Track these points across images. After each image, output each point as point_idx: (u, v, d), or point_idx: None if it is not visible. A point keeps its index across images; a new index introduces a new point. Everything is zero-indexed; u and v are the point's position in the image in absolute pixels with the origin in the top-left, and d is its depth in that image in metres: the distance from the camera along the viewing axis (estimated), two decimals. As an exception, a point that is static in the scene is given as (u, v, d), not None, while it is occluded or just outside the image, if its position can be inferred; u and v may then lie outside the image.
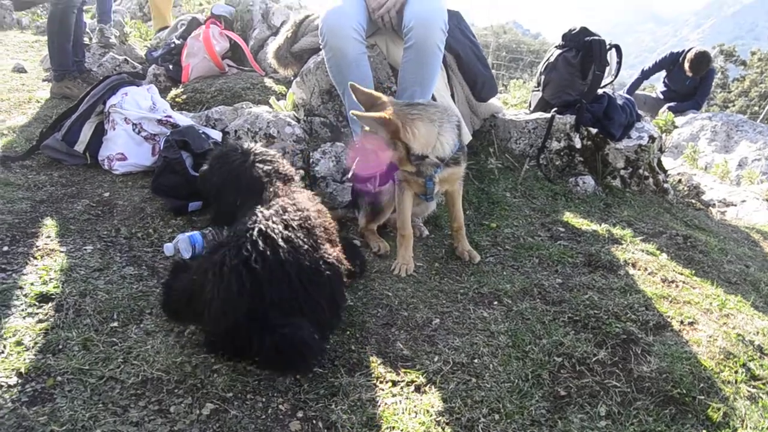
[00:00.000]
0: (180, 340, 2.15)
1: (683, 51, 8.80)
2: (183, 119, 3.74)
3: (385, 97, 2.76)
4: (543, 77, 4.83)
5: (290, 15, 5.54)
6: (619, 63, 4.90)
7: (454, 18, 4.14)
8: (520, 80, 11.40)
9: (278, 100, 4.32)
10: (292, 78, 4.57)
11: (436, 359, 2.22)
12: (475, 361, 2.24)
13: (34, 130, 4.06)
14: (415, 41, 3.35)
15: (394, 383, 2.08)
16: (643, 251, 3.35)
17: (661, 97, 9.10)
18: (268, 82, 5.01)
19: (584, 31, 4.74)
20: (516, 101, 7.18)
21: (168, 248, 2.73)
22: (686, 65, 8.46)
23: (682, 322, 2.61)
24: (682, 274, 3.15)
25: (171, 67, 5.35)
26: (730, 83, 22.94)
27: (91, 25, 6.48)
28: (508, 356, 2.27)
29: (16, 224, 2.82)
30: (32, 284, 2.35)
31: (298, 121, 3.95)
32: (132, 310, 2.28)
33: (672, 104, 8.59)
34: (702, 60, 8.39)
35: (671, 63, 8.83)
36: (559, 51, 4.75)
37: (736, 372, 2.27)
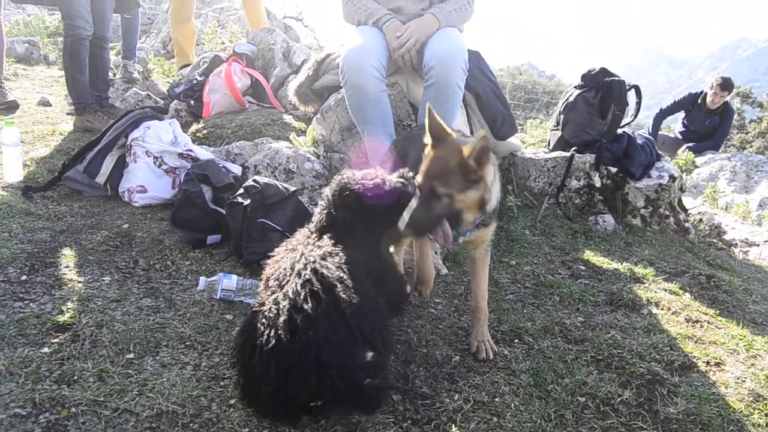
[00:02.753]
0: (196, 373, 2.12)
1: (702, 92, 8.82)
2: (204, 153, 3.77)
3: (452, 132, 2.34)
4: (562, 117, 4.84)
5: (311, 54, 5.61)
6: (639, 103, 4.90)
7: (474, 57, 4.16)
8: (537, 120, 11.43)
9: (298, 136, 4.34)
10: (312, 115, 4.60)
11: (456, 397, 2.17)
12: (496, 399, 2.18)
13: (57, 162, 4.10)
14: (435, 80, 3.37)
15: (414, 422, 2.03)
16: (665, 290, 3.30)
17: (680, 137, 9.08)
18: (288, 118, 5.04)
19: (604, 72, 4.76)
20: (534, 140, 7.18)
21: (202, 282, 2.71)
22: (710, 94, 8.52)
23: (708, 363, 2.54)
24: (706, 314, 3.09)
25: (192, 102, 5.41)
26: (747, 124, 22.87)
27: (115, 62, 6.59)
28: (530, 395, 2.21)
29: (36, 254, 2.82)
30: (49, 314, 2.34)
31: (318, 157, 3.96)
32: (148, 342, 2.26)
33: (690, 144, 8.57)
34: (728, 81, 8.53)
35: (690, 103, 8.85)
36: (578, 91, 4.77)
37: (766, 415, 2.20)
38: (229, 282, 2.65)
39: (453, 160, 2.17)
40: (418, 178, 2.27)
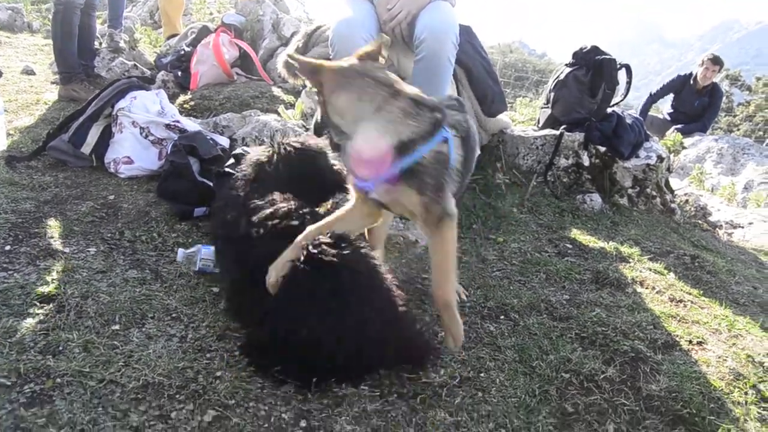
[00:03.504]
0: (182, 345, 2.12)
1: (691, 73, 8.84)
2: (191, 125, 3.72)
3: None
4: (552, 94, 4.82)
5: (301, 26, 5.54)
6: (629, 83, 4.89)
7: (465, 33, 4.13)
8: (526, 98, 11.41)
9: (287, 109, 4.30)
10: (301, 88, 4.56)
11: (441, 372, 2.18)
12: (482, 375, 2.20)
13: (41, 132, 4.04)
14: (426, 54, 3.34)
15: (400, 395, 2.04)
16: (650, 270, 3.32)
17: (668, 118, 9.10)
18: (277, 91, 5.00)
19: (595, 50, 4.73)
20: (523, 118, 7.16)
21: (180, 254, 2.70)
22: (701, 69, 8.55)
23: (690, 342, 2.57)
24: (690, 293, 3.11)
25: (180, 73, 5.34)
26: (735, 107, 22.99)
27: (101, 30, 6.48)
28: (515, 371, 2.23)
29: (20, 224, 2.79)
30: (34, 284, 2.32)
31: (306, 130, 3.93)
32: (134, 314, 2.24)
33: (679, 126, 8.60)
34: (719, 57, 8.57)
35: (680, 84, 8.87)
36: (569, 69, 4.74)
37: (746, 393, 2.22)
38: (207, 252, 2.63)
39: None
40: None
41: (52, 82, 5.47)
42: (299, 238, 2.12)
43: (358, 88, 2.07)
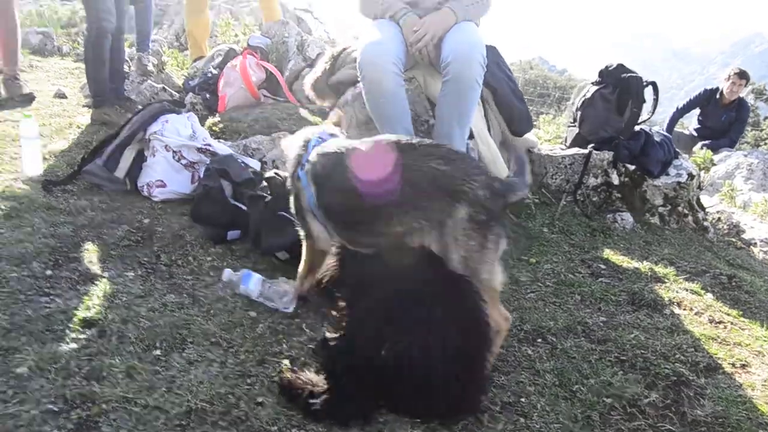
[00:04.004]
0: (223, 370, 2.12)
1: (717, 87, 8.77)
2: (222, 148, 3.76)
3: None
4: (579, 113, 4.81)
5: (326, 48, 5.58)
6: (656, 100, 4.87)
7: (491, 53, 4.13)
8: (549, 115, 11.39)
9: (315, 130, 4.32)
10: (328, 109, 4.58)
11: (482, 398, 2.17)
12: (522, 400, 2.18)
13: (75, 155, 4.10)
14: (453, 75, 3.35)
15: (441, 421, 2.03)
16: (687, 290, 3.29)
17: (695, 134, 9.03)
18: (303, 112, 5.04)
19: (621, 68, 4.73)
20: (548, 136, 7.16)
21: (226, 274, 2.72)
22: (727, 84, 8.46)
23: (733, 365, 2.54)
24: (729, 314, 3.08)
25: (208, 96, 5.40)
26: (762, 121, 22.70)
27: (130, 54, 6.59)
28: (556, 396, 2.21)
29: (59, 248, 2.83)
30: (75, 309, 2.35)
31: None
32: (174, 339, 2.26)
33: (706, 142, 8.52)
34: (745, 71, 8.48)
35: (706, 99, 8.80)
36: (595, 87, 4.74)
37: (794, 419, 2.19)
38: (252, 284, 2.65)
39: None
40: None
41: (84, 106, 5.56)
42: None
43: None
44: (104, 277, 2.63)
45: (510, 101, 4.28)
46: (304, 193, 2.39)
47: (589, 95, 4.78)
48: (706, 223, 4.50)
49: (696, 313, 3.02)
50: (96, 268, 2.70)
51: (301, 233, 2.55)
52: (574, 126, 4.89)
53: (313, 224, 2.44)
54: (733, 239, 4.66)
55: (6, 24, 5.50)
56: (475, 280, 2.07)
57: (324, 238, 2.45)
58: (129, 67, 6.15)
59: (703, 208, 4.66)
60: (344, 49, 4.54)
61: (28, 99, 5.57)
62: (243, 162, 3.61)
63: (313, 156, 2.38)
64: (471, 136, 3.82)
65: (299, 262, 2.78)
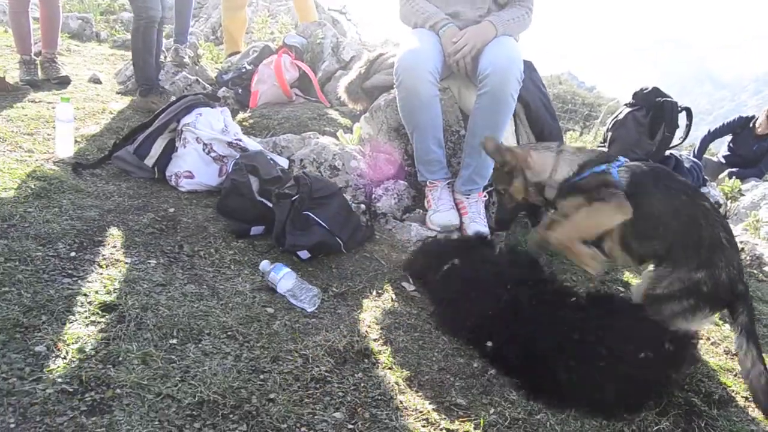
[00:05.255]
0: (237, 364, 2.14)
1: (753, 116, 8.65)
2: (252, 144, 3.79)
3: None
4: (610, 134, 4.79)
5: (362, 51, 5.61)
6: (689, 126, 4.85)
7: (527, 68, 4.12)
8: (575, 132, 11.32)
9: (344, 133, 4.36)
10: (359, 113, 4.61)
11: (491, 411, 2.16)
12: (532, 417, 2.17)
13: (106, 140, 4.16)
14: (489, 89, 3.35)
15: (449, 431, 2.03)
16: (706, 320, 3.25)
17: (723, 161, 8.92)
18: (334, 114, 5.07)
19: (656, 92, 4.71)
20: (575, 154, 7.11)
21: (264, 264, 2.78)
22: (762, 118, 8.31)
23: (747, 399, 2.51)
24: (747, 348, 3.03)
25: (240, 91, 5.46)
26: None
27: (167, 45, 6.66)
28: (566, 416, 2.20)
29: (84, 231, 2.87)
30: (97, 292, 2.38)
31: (364, 155, 3.97)
32: (191, 329, 2.28)
33: (734, 170, 8.40)
34: None
35: (740, 127, 8.67)
36: (629, 109, 4.72)
37: (807, 459, 2.16)
38: (284, 276, 2.69)
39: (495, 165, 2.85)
40: None
41: (118, 92, 5.63)
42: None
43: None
44: (127, 262, 2.66)
45: (542, 117, 4.27)
46: None
47: (621, 116, 4.77)
48: (730, 254, 4.44)
49: (713, 343, 2.98)
50: (119, 254, 2.73)
51: None
52: (604, 146, 4.87)
53: None
54: (755, 271, 4.60)
55: (49, 7, 5.60)
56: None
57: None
58: (165, 57, 6.22)
59: (728, 238, 4.60)
60: (381, 55, 4.57)
61: (64, 82, 5.65)
62: (272, 159, 3.64)
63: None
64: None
65: (319, 263, 2.81)
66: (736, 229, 6.02)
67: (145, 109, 4.95)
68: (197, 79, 5.68)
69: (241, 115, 4.98)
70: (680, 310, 2.47)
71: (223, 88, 5.54)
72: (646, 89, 4.73)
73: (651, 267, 2.62)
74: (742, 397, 2.52)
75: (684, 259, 2.47)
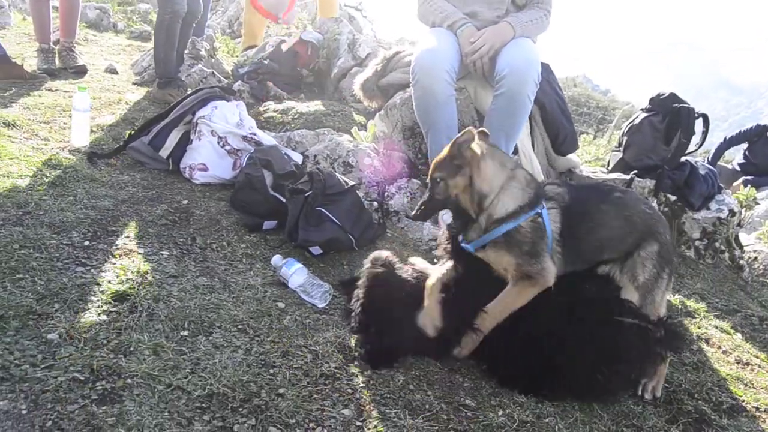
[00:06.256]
0: (247, 357, 2.15)
1: (771, 124, 8.56)
2: (267, 138, 3.80)
3: None
4: (625, 138, 4.75)
5: (379, 49, 5.61)
6: (705, 132, 4.80)
7: (544, 70, 4.11)
8: (589, 135, 11.27)
9: (359, 130, 4.35)
10: (374, 110, 4.61)
11: (500, 413, 2.16)
12: (540, 420, 2.16)
13: (121, 130, 4.18)
14: (506, 90, 3.34)
15: (457, 432, 2.03)
16: (716, 328, 3.23)
17: (738, 169, 8.83)
18: (349, 111, 5.06)
19: (673, 97, 4.66)
20: (589, 158, 7.09)
21: (275, 258, 2.80)
22: None
23: (757, 409, 2.50)
24: (757, 357, 3.02)
25: (256, 83, 5.46)
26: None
27: (182, 37, 6.68)
28: (575, 420, 2.19)
29: (98, 220, 2.88)
30: (109, 282, 2.39)
31: (378, 153, 3.97)
32: (202, 322, 2.29)
33: (749, 178, 8.32)
34: None
35: (756, 135, 8.57)
36: (645, 114, 4.68)
37: (817, 472, 2.14)
38: (296, 272, 2.70)
39: (445, 151, 2.50)
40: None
41: (134, 83, 5.65)
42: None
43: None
44: (140, 253, 2.67)
45: (558, 119, 4.25)
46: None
47: (637, 121, 4.72)
48: (742, 262, 4.42)
49: (724, 352, 2.97)
50: (132, 244, 2.74)
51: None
52: (619, 151, 4.84)
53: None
54: (768, 280, 4.57)
55: (69, -3, 5.63)
56: (648, 299, 2.45)
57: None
58: (182, 49, 6.24)
59: (740, 246, 4.57)
60: (397, 53, 4.56)
61: (81, 71, 5.68)
62: (286, 154, 3.65)
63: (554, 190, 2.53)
64: (515, 152, 3.80)
65: (330, 259, 2.80)
66: (750, 238, 5.99)
67: (161, 101, 4.97)
68: (213, 72, 5.69)
69: (255, 109, 4.98)
70: (665, 284, 2.51)
71: (239, 82, 5.55)
72: (663, 95, 4.69)
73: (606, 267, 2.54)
74: (752, 407, 2.50)
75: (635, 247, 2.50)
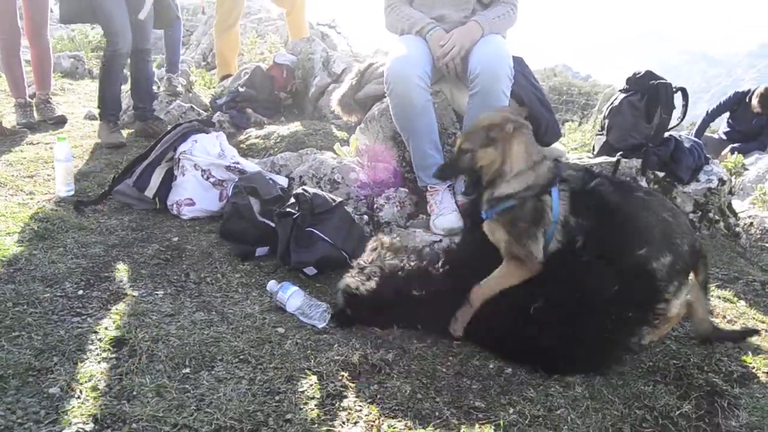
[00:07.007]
0: (251, 387, 2.13)
1: (749, 90, 8.60)
2: (250, 165, 3.81)
3: None
4: (607, 121, 4.76)
5: (352, 63, 5.63)
6: (685, 106, 4.81)
7: (518, 63, 4.10)
8: (574, 123, 11.29)
9: (341, 146, 4.36)
10: (354, 124, 4.61)
11: (510, 411, 2.15)
12: (552, 413, 2.15)
13: (106, 176, 4.18)
14: (480, 88, 3.35)
15: (469, 435, 2.02)
16: (719, 298, 3.23)
17: (724, 137, 8.87)
18: (331, 128, 5.07)
19: (649, 75, 4.67)
20: (575, 144, 7.10)
21: (271, 284, 2.81)
22: (755, 101, 8.23)
23: (768, 374, 2.48)
24: (763, 322, 3.01)
25: (235, 112, 5.47)
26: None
27: (159, 75, 6.72)
28: (586, 408, 2.18)
29: (90, 268, 2.88)
30: (106, 329, 2.38)
31: (362, 166, 3.97)
32: (203, 357, 2.28)
33: (736, 145, 8.35)
34: None
35: (736, 103, 8.62)
36: (623, 95, 4.69)
37: (834, 430, 2.13)
38: (292, 295, 2.70)
39: (483, 122, 2.60)
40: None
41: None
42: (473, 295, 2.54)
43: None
44: (134, 296, 2.67)
45: (537, 111, 4.24)
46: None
47: (617, 103, 4.73)
48: (738, 229, 4.42)
49: (729, 321, 2.96)
50: (126, 287, 2.74)
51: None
52: (602, 134, 4.84)
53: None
54: (767, 244, 4.57)
55: (39, 50, 5.64)
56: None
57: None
58: (158, 87, 6.26)
59: (734, 214, 4.58)
60: (371, 65, 4.57)
61: (61, 121, 5.70)
62: (271, 179, 3.65)
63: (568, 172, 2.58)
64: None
65: (326, 278, 2.79)
66: (744, 204, 6.00)
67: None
68: (191, 106, 5.71)
69: (238, 138, 4.99)
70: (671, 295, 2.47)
71: (218, 113, 5.56)
72: (639, 73, 4.70)
73: None
74: (763, 372, 2.49)
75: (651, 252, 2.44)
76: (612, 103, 4.78)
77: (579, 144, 7.10)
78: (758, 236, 4.79)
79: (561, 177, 2.51)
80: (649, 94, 4.57)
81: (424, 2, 3.70)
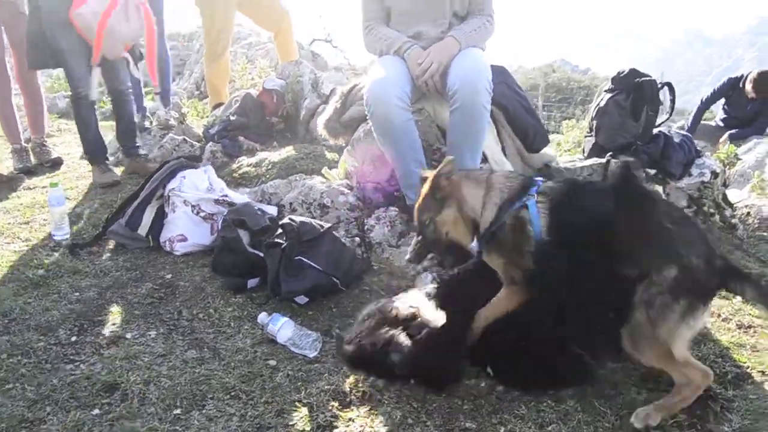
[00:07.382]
0: (242, 424, 2.15)
1: (742, 75, 8.55)
2: (239, 197, 3.84)
3: None
4: (595, 122, 4.77)
5: (336, 87, 5.65)
6: (673, 101, 4.82)
7: (500, 73, 4.13)
8: (573, 119, 11.29)
9: (330, 168, 4.38)
10: (342, 145, 4.64)
11: (502, 430, 2.15)
12: (544, 429, 2.15)
13: (100, 216, 4.22)
14: (460, 103, 3.36)
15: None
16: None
17: (721, 124, 8.81)
18: (320, 150, 5.09)
19: (634, 73, 4.68)
20: (570, 145, 7.11)
21: (261, 317, 2.82)
22: (749, 86, 8.18)
23: (763, 373, 2.47)
24: (759, 318, 2.98)
25: (228, 141, 5.51)
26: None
27: (152, 108, 6.77)
28: (579, 422, 2.18)
29: (84, 313, 2.91)
30: (99, 374, 2.41)
31: (351, 188, 3.99)
32: (194, 396, 2.30)
33: (733, 131, 8.29)
34: (767, 78, 8.11)
35: (730, 88, 8.56)
36: (609, 95, 4.69)
37: (828, 429, 2.12)
38: (282, 327, 2.71)
39: (424, 190, 2.52)
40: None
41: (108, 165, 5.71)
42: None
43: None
44: (127, 338, 2.70)
45: (523, 119, 4.26)
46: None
47: (603, 103, 4.74)
48: (734, 220, 4.40)
49: (724, 319, 2.94)
50: (119, 330, 2.77)
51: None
52: (591, 136, 4.85)
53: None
54: (765, 234, 4.54)
55: (31, 94, 5.70)
56: (654, 331, 2.11)
57: None
58: (151, 122, 6.32)
59: (730, 205, 4.56)
60: (354, 86, 4.60)
61: (57, 163, 5.76)
62: (260, 209, 3.68)
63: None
64: (485, 160, 3.82)
65: (317, 305, 2.80)
66: (743, 192, 5.96)
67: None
68: (184, 138, 5.75)
69: (230, 167, 5.02)
70: (678, 317, 2.11)
71: (211, 143, 5.59)
72: (623, 72, 4.70)
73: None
74: (758, 372, 2.47)
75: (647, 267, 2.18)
76: (598, 104, 4.79)
77: (574, 144, 7.10)
78: (756, 225, 4.76)
79: (538, 190, 2.45)
80: (635, 92, 4.58)
81: (401, 21, 3.73)
